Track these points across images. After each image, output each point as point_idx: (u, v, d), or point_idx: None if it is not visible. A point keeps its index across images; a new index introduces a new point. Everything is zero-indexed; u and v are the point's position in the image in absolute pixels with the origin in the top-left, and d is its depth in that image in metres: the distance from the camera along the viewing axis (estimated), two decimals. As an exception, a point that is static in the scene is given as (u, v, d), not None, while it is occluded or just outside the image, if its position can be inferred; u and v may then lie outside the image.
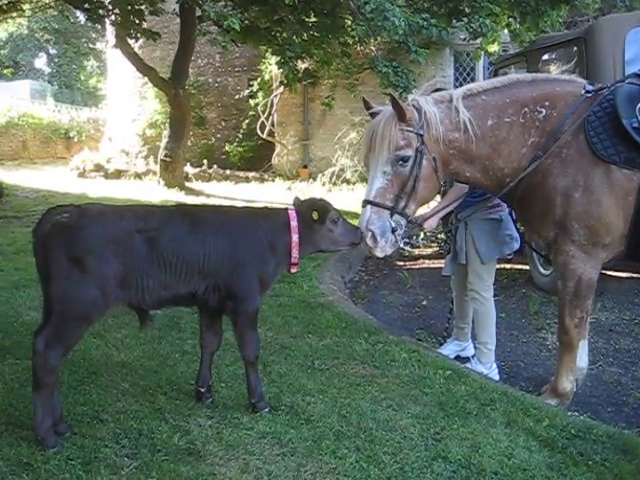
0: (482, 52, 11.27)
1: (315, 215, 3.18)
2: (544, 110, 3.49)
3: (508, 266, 6.91)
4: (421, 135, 3.40)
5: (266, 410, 3.11)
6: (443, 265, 4.85)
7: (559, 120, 3.46)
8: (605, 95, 3.46)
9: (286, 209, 3.25)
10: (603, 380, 4.26)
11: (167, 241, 2.86)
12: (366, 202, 3.43)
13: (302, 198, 3.37)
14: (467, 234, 4.30)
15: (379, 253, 3.46)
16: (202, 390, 3.23)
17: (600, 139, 3.38)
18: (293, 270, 3.27)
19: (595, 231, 3.44)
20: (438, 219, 4.23)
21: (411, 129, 3.40)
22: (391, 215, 3.42)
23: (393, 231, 3.41)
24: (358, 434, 2.94)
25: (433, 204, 4.79)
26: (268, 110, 15.11)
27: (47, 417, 2.69)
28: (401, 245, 3.54)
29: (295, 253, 3.17)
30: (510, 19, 10.32)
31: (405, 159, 3.39)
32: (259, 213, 3.32)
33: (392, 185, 3.43)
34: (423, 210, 4.20)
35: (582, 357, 3.92)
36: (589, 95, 3.49)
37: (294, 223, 3.16)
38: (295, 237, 3.15)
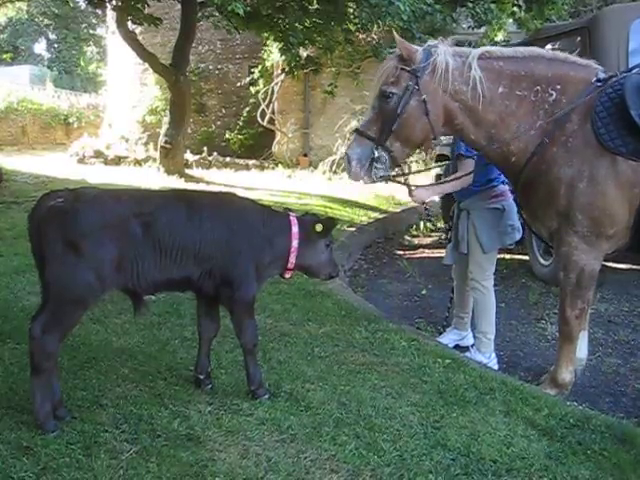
0: (486, 41, 11.22)
1: (319, 228, 3.19)
2: (554, 93, 3.45)
3: (508, 256, 6.91)
4: (416, 76, 3.42)
5: (266, 397, 3.11)
6: (443, 254, 4.85)
7: (567, 107, 3.41)
8: (613, 85, 3.39)
9: (287, 213, 3.26)
10: (602, 371, 4.27)
11: (163, 225, 2.85)
12: (354, 131, 3.65)
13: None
14: (469, 223, 4.29)
15: (352, 178, 3.64)
16: (201, 377, 3.22)
17: (607, 130, 3.32)
18: (287, 275, 3.28)
19: (599, 222, 3.42)
20: (431, 194, 4.18)
21: (406, 67, 3.44)
22: (375, 147, 3.51)
23: (372, 161, 3.52)
24: (357, 421, 2.95)
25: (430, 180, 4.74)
26: (269, 98, 15.06)
27: (46, 402, 2.69)
28: (374, 178, 3.61)
29: (293, 259, 3.17)
30: (515, 7, 10.28)
31: (389, 95, 3.47)
32: (260, 206, 3.31)
33: (377, 118, 3.54)
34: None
35: (582, 348, 3.93)
36: (599, 84, 3.43)
37: (295, 229, 3.16)
38: (295, 243, 3.15)
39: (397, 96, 3.46)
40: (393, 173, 3.78)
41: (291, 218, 3.22)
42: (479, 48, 3.62)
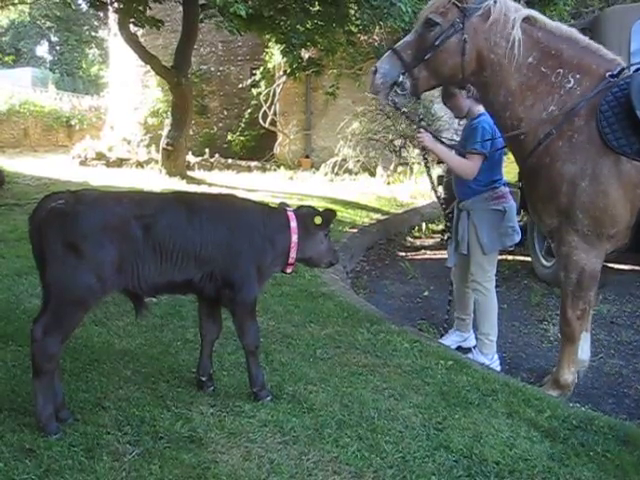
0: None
1: (318, 220, 3.20)
2: (572, 81, 3.41)
3: (510, 257, 6.91)
4: (465, 14, 3.41)
5: (268, 399, 3.11)
6: (444, 256, 4.85)
7: (578, 100, 3.38)
8: (620, 84, 3.34)
9: (284, 209, 3.26)
10: (604, 372, 4.26)
11: (163, 228, 2.84)
12: (390, 48, 3.65)
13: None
14: (469, 224, 4.28)
15: (371, 90, 3.67)
16: (203, 379, 3.22)
17: (612, 129, 3.29)
18: (289, 270, 3.28)
19: (600, 222, 3.39)
20: (434, 147, 4.12)
21: (458, 3, 3.43)
22: (403, 72, 3.52)
23: (394, 84, 3.54)
24: (360, 423, 2.94)
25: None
26: (270, 99, 15.08)
27: (48, 404, 2.69)
28: (389, 100, 3.64)
29: (293, 254, 3.18)
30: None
31: (433, 24, 3.46)
32: (263, 208, 3.31)
33: (414, 43, 3.55)
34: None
35: (584, 349, 3.92)
36: (612, 80, 3.37)
37: (294, 224, 3.17)
38: (295, 238, 3.16)
39: (440, 27, 3.45)
40: (405, 109, 3.83)
41: (289, 213, 3.22)
42: (526, 10, 3.56)
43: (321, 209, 3.35)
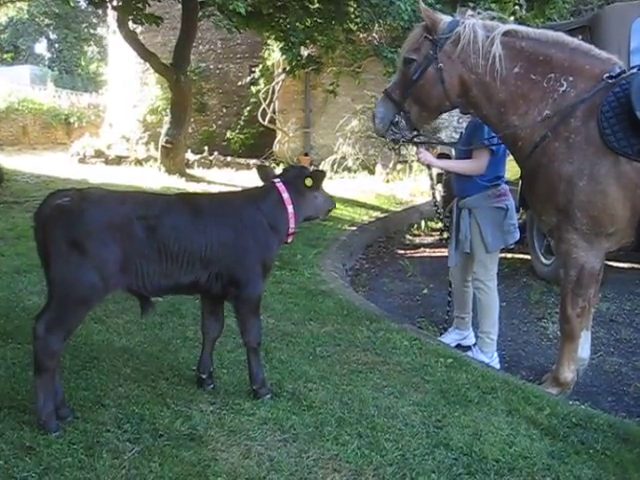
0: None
1: (309, 182, 3.21)
2: (565, 84, 3.44)
3: (509, 255, 6.90)
4: (437, 45, 3.58)
5: (268, 396, 3.11)
6: (443, 253, 4.85)
7: (574, 102, 3.40)
8: (621, 84, 3.34)
9: (273, 183, 3.22)
10: (604, 370, 4.27)
11: (168, 229, 2.84)
12: (383, 91, 3.91)
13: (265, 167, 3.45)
14: (472, 222, 4.27)
15: (376, 133, 4.04)
16: (203, 376, 3.22)
17: (613, 130, 3.29)
18: (289, 240, 3.27)
19: (599, 221, 3.41)
20: (436, 162, 4.22)
21: (429, 37, 3.61)
22: (397, 111, 3.78)
23: (391, 124, 3.80)
24: (360, 421, 2.94)
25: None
26: (269, 97, 15.05)
27: (49, 401, 2.69)
28: (388, 139, 3.93)
29: (292, 224, 3.18)
30: (516, 6, 10.29)
31: (410, 61, 3.69)
32: (255, 195, 3.26)
33: (400, 82, 3.79)
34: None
35: (584, 348, 3.92)
36: (610, 81, 3.38)
37: (286, 195, 3.16)
38: (290, 208, 3.15)
39: (417, 63, 3.65)
40: (406, 138, 3.95)
41: (278, 186, 3.19)
42: (507, 25, 3.66)
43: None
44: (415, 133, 3.97)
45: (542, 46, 3.52)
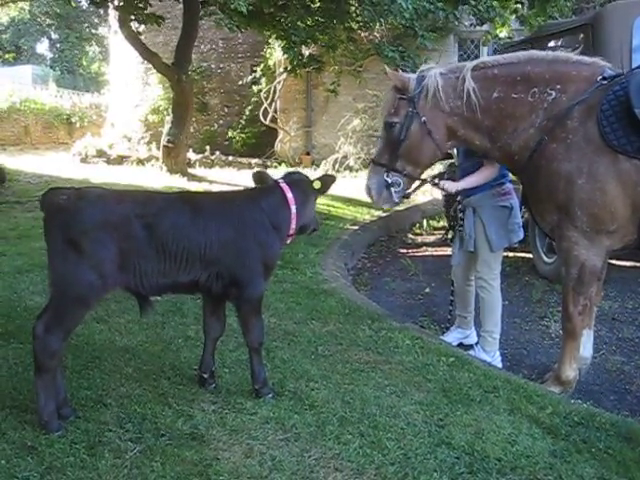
0: (491, 37, 11.19)
1: (317, 184, 3.23)
2: (554, 93, 3.49)
3: (511, 254, 6.89)
4: (413, 101, 3.66)
5: (269, 396, 3.11)
6: (445, 252, 4.84)
7: (568, 105, 3.43)
8: (621, 83, 3.38)
9: (277, 182, 3.23)
10: (606, 368, 4.26)
11: (166, 228, 2.83)
12: (370, 160, 3.99)
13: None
14: (476, 221, 4.26)
15: (376, 205, 4.09)
16: (205, 376, 3.22)
17: (612, 129, 3.32)
18: (288, 241, 3.27)
19: (599, 219, 3.42)
20: (460, 187, 4.13)
21: (403, 96, 3.71)
22: (387, 173, 3.81)
23: (387, 187, 3.82)
24: (362, 420, 2.94)
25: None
26: (271, 96, 15.04)
27: (50, 401, 2.69)
28: (396, 200, 3.91)
29: (294, 224, 3.17)
30: (517, 4, 10.27)
31: (392, 124, 3.75)
32: (257, 194, 3.26)
33: (386, 147, 3.84)
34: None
35: (587, 347, 3.92)
36: (604, 82, 3.43)
37: (290, 195, 3.15)
38: (294, 208, 3.15)
39: (399, 124, 3.72)
40: (410, 190, 4.02)
41: (282, 186, 3.19)
42: (474, 60, 3.78)
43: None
44: (416, 185, 4.04)
45: (516, 67, 3.60)
